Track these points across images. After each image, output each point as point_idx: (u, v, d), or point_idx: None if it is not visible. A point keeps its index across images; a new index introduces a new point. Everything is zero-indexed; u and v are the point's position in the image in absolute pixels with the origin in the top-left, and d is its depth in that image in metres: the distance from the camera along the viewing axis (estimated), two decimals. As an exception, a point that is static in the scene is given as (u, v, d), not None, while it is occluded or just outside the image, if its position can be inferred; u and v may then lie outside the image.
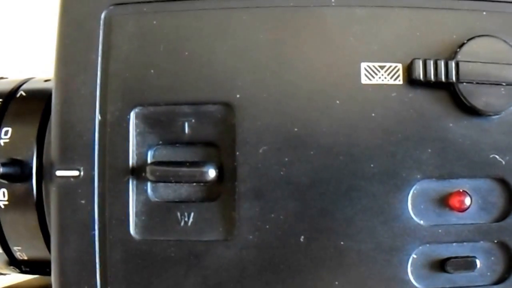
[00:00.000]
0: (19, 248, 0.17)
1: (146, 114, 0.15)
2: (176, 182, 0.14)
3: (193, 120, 0.15)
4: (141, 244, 0.15)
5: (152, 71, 0.15)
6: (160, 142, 0.15)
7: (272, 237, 0.14)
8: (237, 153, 0.14)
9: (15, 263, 0.17)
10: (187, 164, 0.14)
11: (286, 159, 0.14)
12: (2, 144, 0.16)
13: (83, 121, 0.15)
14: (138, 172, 0.15)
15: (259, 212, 0.14)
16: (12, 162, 0.15)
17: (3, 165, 0.15)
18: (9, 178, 0.15)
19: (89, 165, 0.15)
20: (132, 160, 0.15)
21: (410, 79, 0.14)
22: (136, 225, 0.15)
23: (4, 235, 0.17)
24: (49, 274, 0.18)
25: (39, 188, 0.16)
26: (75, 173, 0.15)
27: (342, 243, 0.14)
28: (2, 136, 0.16)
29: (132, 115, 0.15)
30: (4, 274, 0.19)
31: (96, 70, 0.15)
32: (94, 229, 0.15)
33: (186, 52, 0.15)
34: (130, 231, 0.15)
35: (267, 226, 0.14)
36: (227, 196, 0.15)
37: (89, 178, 0.15)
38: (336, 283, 0.14)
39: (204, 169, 0.14)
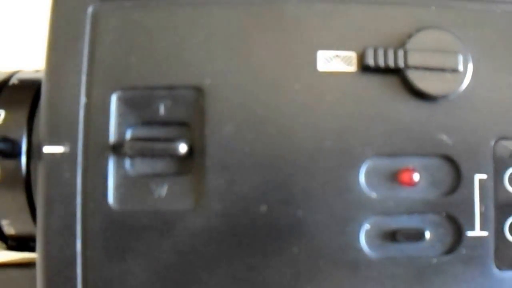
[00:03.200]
0: (7, 221, 0.18)
1: (126, 97, 0.16)
2: (151, 156, 0.16)
3: (167, 102, 0.16)
4: (118, 214, 0.16)
5: (131, 59, 0.16)
6: (138, 122, 0.16)
7: (236, 207, 0.16)
8: (206, 131, 0.16)
9: (2, 238, 0.19)
10: (162, 140, 0.16)
11: (250, 137, 0.16)
12: None
13: (70, 103, 0.17)
14: (117, 148, 0.16)
15: (225, 184, 0.16)
16: (4, 140, 0.17)
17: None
18: (2, 153, 0.17)
19: (73, 142, 0.16)
20: (112, 138, 0.16)
21: (363, 66, 0.16)
22: (114, 196, 0.16)
23: None
24: (33, 250, 0.20)
25: (28, 166, 0.18)
26: (60, 149, 0.17)
27: (299, 213, 0.16)
28: None
29: (113, 97, 0.16)
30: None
31: (82, 58, 0.17)
32: (76, 200, 0.16)
33: (161, 43, 0.16)
34: (109, 202, 0.16)
35: (232, 197, 0.16)
36: (196, 170, 0.16)
37: (74, 154, 0.16)
38: (294, 250, 0.16)
39: (177, 144, 0.16)
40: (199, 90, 0.16)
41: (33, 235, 0.18)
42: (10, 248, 0.19)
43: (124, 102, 0.17)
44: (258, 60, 0.16)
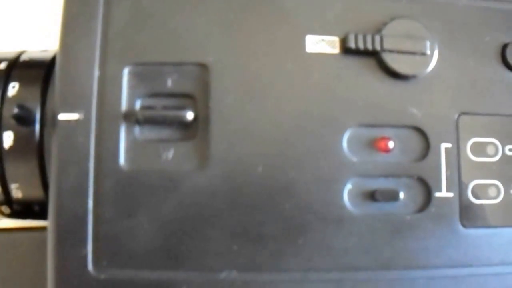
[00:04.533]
0: (16, 185, 0.19)
1: (136, 71, 0.18)
2: (161, 123, 0.18)
3: (174, 76, 0.18)
4: (128, 174, 0.18)
5: (142, 37, 0.19)
6: (147, 93, 0.18)
7: (236, 168, 0.18)
8: (210, 102, 0.18)
9: (8, 202, 0.20)
10: (171, 108, 0.18)
11: (248, 107, 0.18)
12: (11, 96, 0.20)
13: (84, 76, 0.18)
14: (128, 116, 0.18)
15: (226, 148, 0.18)
16: (21, 107, 0.19)
17: (16, 107, 0.18)
18: (18, 119, 0.19)
19: (87, 110, 0.18)
20: (123, 107, 0.18)
21: (345, 49, 0.19)
22: (125, 159, 0.18)
23: (4, 172, 0.19)
24: (36, 217, 0.21)
25: (41, 133, 0.19)
26: (75, 116, 0.18)
27: (291, 174, 0.18)
28: (10, 89, 0.20)
29: (125, 71, 0.18)
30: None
31: (96, 36, 0.19)
32: (89, 162, 0.18)
33: (169, 23, 0.18)
34: (120, 164, 0.18)
35: (232, 159, 0.18)
36: (201, 136, 0.18)
37: (87, 120, 0.18)
38: (287, 206, 0.18)
39: (184, 112, 0.18)
40: (203, 66, 0.18)
41: (39, 200, 0.20)
42: (14, 213, 0.21)
43: (135, 76, 0.18)
44: (256, 42, 0.18)
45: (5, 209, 0.20)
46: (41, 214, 0.20)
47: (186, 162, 0.18)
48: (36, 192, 0.20)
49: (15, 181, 0.20)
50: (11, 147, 0.19)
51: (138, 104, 0.18)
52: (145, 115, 0.18)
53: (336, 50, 0.19)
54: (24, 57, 0.21)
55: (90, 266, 0.18)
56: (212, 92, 0.18)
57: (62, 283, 0.18)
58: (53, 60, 0.20)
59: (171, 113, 0.18)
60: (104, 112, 0.18)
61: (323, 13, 0.19)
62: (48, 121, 0.19)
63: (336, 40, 0.19)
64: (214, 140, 0.18)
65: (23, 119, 0.19)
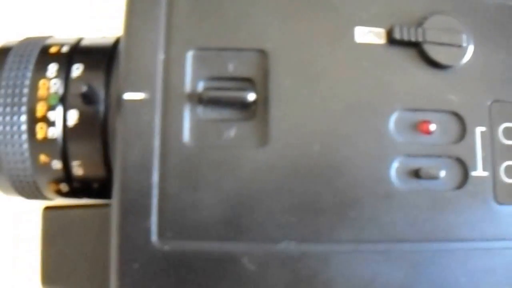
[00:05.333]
0: (78, 162, 0.20)
1: (199, 55, 0.20)
2: (224, 103, 0.19)
3: (235, 61, 0.20)
4: (192, 151, 0.19)
5: (204, 23, 0.20)
6: (208, 76, 0.20)
7: (294, 146, 0.19)
8: (269, 85, 0.19)
9: (68, 179, 0.21)
10: (233, 89, 0.19)
11: (304, 91, 0.20)
12: (75, 76, 0.20)
13: (149, 58, 0.19)
14: (192, 97, 0.19)
15: (285, 128, 0.19)
16: (88, 86, 0.19)
17: (83, 86, 0.19)
18: (85, 98, 0.19)
19: (152, 90, 0.19)
20: (187, 88, 0.19)
21: (390, 40, 0.20)
22: (189, 137, 0.19)
23: (67, 150, 0.20)
24: (94, 195, 0.22)
25: (105, 112, 0.20)
26: (140, 95, 0.19)
27: (344, 152, 0.19)
28: (74, 70, 0.21)
29: (188, 55, 0.20)
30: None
31: (160, 21, 0.20)
32: (154, 139, 0.19)
33: (231, 10, 0.20)
34: (184, 141, 0.19)
35: (290, 138, 0.19)
36: (261, 117, 0.19)
37: (152, 100, 0.19)
38: (340, 182, 0.19)
39: (246, 93, 0.19)
40: (262, 52, 0.20)
41: (100, 177, 0.21)
42: (73, 190, 0.21)
43: (197, 59, 0.20)
44: (310, 31, 0.20)
45: (64, 186, 0.21)
46: (100, 191, 0.21)
47: (247, 140, 0.19)
48: (97, 170, 0.20)
49: (77, 159, 0.20)
50: (75, 125, 0.20)
51: (200, 86, 0.20)
52: (209, 95, 0.19)
53: (382, 40, 0.20)
54: (85, 42, 0.22)
55: (154, 238, 0.19)
56: (271, 76, 0.19)
57: (126, 255, 0.19)
58: (115, 44, 0.21)
59: (234, 94, 0.19)
60: (169, 92, 0.19)
61: (369, 7, 0.20)
62: (113, 100, 0.20)
63: (382, 31, 0.20)
64: (273, 121, 0.19)
65: (89, 98, 0.20)
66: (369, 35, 0.20)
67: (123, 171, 0.19)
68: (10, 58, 0.21)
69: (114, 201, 0.19)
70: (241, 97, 0.19)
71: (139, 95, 0.19)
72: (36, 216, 0.23)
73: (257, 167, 0.19)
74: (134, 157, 0.19)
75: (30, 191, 0.22)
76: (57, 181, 0.21)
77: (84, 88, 0.19)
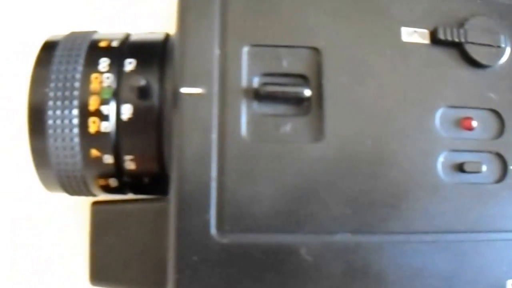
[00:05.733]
0: (131, 157, 0.20)
1: (253, 51, 0.20)
2: (280, 98, 0.20)
3: (289, 58, 0.20)
4: (250, 145, 0.19)
5: (259, 21, 0.20)
6: (264, 72, 0.20)
7: (347, 141, 0.20)
8: (323, 82, 0.20)
9: (118, 174, 0.21)
10: (289, 85, 0.20)
11: (356, 87, 0.20)
12: (128, 71, 0.20)
13: (205, 53, 0.20)
14: (248, 92, 0.20)
15: (338, 124, 0.20)
16: (143, 81, 0.19)
17: (138, 81, 0.19)
18: (140, 93, 0.20)
19: (209, 85, 0.20)
20: (243, 83, 0.20)
21: (434, 40, 0.21)
22: (246, 131, 0.19)
23: (119, 144, 0.20)
24: (144, 190, 0.22)
25: (160, 107, 0.20)
26: (197, 90, 0.19)
27: (393, 147, 0.20)
28: (127, 64, 0.21)
29: (244, 51, 0.20)
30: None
31: (215, 18, 0.20)
32: (212, 133, 0.19)
33: (284, 8, 0.20)
34: (241, 135, 0.19)
35: (344, 133, 0.20)
36: (315, 112, 0.20)
37: (210, 95, 0.19)
38: (390, 175, 0.20)
39: (302, 89, 0.20)
40: (315, 50, 0.20)
41: (152, 172, 0.21)
42: (122, 185, 0.21)
43: (252, 56, 0.20)
44: (360, 30, 0.21)
45: (113, 181, 0.21)
46: (150, 186, 0.21)
47: (303, 135, 0.20)
48: (150, 164, 0.21)
49: (129, 153, 0.20)
50: (129, 119, 0.20)
51: (255, 82, 0.20)
52: (267, 90, 0.19)
53: (426, 40, 0.21)
54: (134, 37, 0.22)
55: (213, 231, 0.19)
56: (324, 73, 0.20)
57: (185, 248, 0.19)
58: (165, 40, 0.21)
59: (291, 90, 0.20)
60: (225, 87, 0.20)
61: (414, 8, 0.21)
62: (168, 95, 0.20)
63: (426, 32, 0.21)
64: (327, 116, 0.20)
65: (145, 93, 0.20)
66: (414, 35, 0.21)
67: (182, 165, 0.19)
68: (59, 52, 0.21)
69: (172, 195, 0.19)
70: (298, 92, 0.20)
71: (196, 90, 0.19)
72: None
73: (313, 161, 0.19)
74: (192, 151, 0.19)
75: (76, 186, 0.21)
76: (107, 176, 0.21)
77: (141, 82, 0.19)
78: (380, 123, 0.20)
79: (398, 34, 0.21)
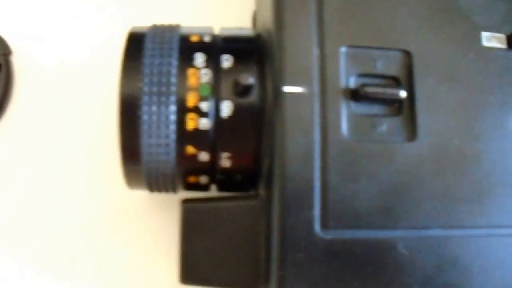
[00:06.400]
0: (228, 154, 0.20)
1: (349, 52, 0.20)
2: (377, 99, 0.20)
3: (382, 60, 0.21)
4: (350, 144, 0.20)
5: (354, 22, 0.21)
6: (359, 73, 0.21)
7: (439, 140, 0.21)
8: (415, 84, 0.21)
9: (212, 171, 0.21)
10: (386, 87, 0.20)
11: (444, 89, 0.21)
12: (226, 67, 0.20)
13: (305, 53, 0.20)
14: (345, 92, 0.20)
15: (430, 124, 0.21)
16: (244, 79, 0.20)
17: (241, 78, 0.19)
18: (244, 90, 0.20)
19: (310, 85, 0.20)
20: (342, 84, 0.20)
21: (510, 45, 0.22)
22: (346, 130, 0.20)
23: (217, 142, 0.20)
24: (233, 188, 0.22)
25: (260, 104, 0.20)
26: (299, 89, 0.20)
27: (478, 146, 0.21)
28: (224, 61, 0.20)
29: (341, 52, 0.20)
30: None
31: (312, 18, 0.20)
32: (314, 132, 0.20)
33: (377, 11, 0.21)
34: (342, 134, 0.20)
35: (435, 133, 0.21)
36: (408, 113, 0.21)
37: (311, 94, 0.20)
38: (477, 173, 0.21)
39: (398, 90, 0.20)
40: (407, 53, 0.21)
41: (246, 170, 0.21)
42: (212, 182, 0.21)
43: (348, 57, 0.20)
44: (445, 34, 0.22)
45: (204, 179, 0.21)
46: (242, 184, 0.21)
47: (397, 135, 0.20)
48: (245, 162, 0.21)
49: (226, 151, 0.20)
50: (229, 117, 0.20)
51: (351, 82, 0.20)
52: (366, 91, 0.20)
53: (503, 45, 0.22)
54: (225, 33, 0.21)
55: (317, 228, 0.19)
56: (416, 75, 0.21)
57: (290, 244, 0.19)
58: (257, 36, 0.21)
59: (389, 91, 0.20)
60: (325, 87, 0.20)
61: (493, 14, 0.22)
62: (268, 93, 0.20)
63: (503, 37, 0.22)
64: (421, 117, 0.21)
65: (246, 90, 0.20)
66: (493, 40, 0.22)
67: (285, 163, 0.19)
68: (149, 45, 0.20)
69: (275, 193, 0.19)
70: (395, 94, 0.20)
71: (297, 89, 0.20)
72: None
73: (407, 160, 0.20)
74: (295, 149, 0.19)
75: (163, 183, 0.21)
76: (199, 173, 0.21)
77: (250, 80, 0.19)
78: (465, 123, 0.21)
79: (479, 38, 0.22)
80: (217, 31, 0.22)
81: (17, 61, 0.29)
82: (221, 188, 0.22)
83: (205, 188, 0.22)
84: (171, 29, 0.21)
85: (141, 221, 0.27)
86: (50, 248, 0.27)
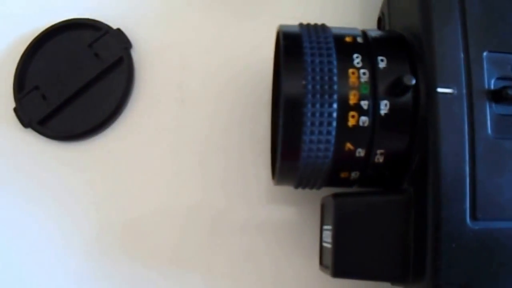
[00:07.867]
0: (382, 151, 0.21)
1: (490, 57, 0.22)
2: (517, 102, 0.22)
3: (518, 65, 0.22)
4: (495, 142, 0.21)
5: (493, 28, 0.22)
6: (498, 76, 0.22)
7: None
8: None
9: (364, 167, 0.22)
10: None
11: None
12: (382, 68, 0.21)
13: (453, 56, 0.21)
14: (488, 94, 0.22)
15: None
16: (396, 80, 0.21)
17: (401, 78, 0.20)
18: (402, 90, 0.21)
19: (459, 86, 0.21)
20: (485, 86, 0.22)
21: None
22: (490, 130, 0.21)
23: (374, 138, 0.21)
24: (379, 183, 0.23)
25: (414, 104, 0.21)
26: (450, 90, 0.21)
27: None
28: (379, 62, 0.22)
29: (484, 56, 0.22)
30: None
31: (456, 23, 0.22)
32: (464, 131, 0.21)
33: (512, 19, 0.23)
34: (488, 133, 0.21)
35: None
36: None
37: (460, 95, 0.21)
38: None
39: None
40: (541, 58, 0.23)
41: (396, 166, 0.22)
42: (361, 177, 0.22)
43: (489, 61, 0.22)
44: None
45: (355, 174, 0.22)
46: (388, 179, 0.22)
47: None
48: (397, 159, 0.22)
49: (381, 147, 0.21)
50: (386, 115, 0.21)
51: (491, 85, 0.22)
52: (508, 93, 0.21)
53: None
54: (372, 34, 0.22)
55: (468, 219, 0.21)
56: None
57: (445, 236, 0.21)
58: (402, 39, 0.22)
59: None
60: (471, 88, 0.21)
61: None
62: (422, 93, 0.21)
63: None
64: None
65: (403, 90, 0.21)
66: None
67: (439, 159, 0.21)
68: (307, 44, 0.21)
69: (430, 187, 0.21)
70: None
71: (449, 90, 0.21)
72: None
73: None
74: (448, 146, 0.21)
75: (313, 179, 0.22)
76: (352, 169, 0.22)
77: (413, 81, 0.20)
78: None
79: None
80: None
81: (137, 54, 0.30)
82: (363, 183, 0.23)
83: (352, 183, 0.23)
84: (323, 29, 0.22)
85: (284, 216, 0.28)
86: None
